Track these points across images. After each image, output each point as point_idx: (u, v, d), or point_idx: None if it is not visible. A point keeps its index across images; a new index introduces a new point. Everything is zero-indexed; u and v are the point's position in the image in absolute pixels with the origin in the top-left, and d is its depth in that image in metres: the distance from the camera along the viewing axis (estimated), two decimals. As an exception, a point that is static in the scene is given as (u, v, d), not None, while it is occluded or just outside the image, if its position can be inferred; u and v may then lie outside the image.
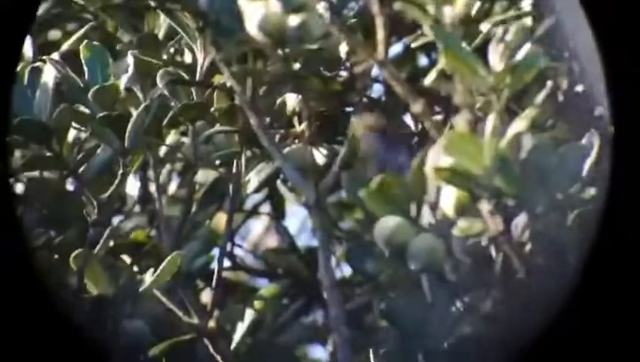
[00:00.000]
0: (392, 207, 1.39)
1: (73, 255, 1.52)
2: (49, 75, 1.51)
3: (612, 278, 1.28)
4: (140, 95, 1.55)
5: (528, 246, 1.30)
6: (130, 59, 1.55)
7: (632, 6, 1.31)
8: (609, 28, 1.29)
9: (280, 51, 1.40)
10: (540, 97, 1.29)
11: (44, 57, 1.53)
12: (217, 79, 1.57)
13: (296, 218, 1.96)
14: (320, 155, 1.56)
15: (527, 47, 1.31)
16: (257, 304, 1.63)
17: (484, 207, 1.31)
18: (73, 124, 1.53)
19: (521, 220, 1.31)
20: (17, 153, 1.62)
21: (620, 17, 1.29)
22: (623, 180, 1.29)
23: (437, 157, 1.33)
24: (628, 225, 1.28)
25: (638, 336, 1.28)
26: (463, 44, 1.32)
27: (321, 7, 1.33)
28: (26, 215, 1.55)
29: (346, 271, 1.83)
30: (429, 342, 1.38)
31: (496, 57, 1.32)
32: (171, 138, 1.65)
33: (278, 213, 1.85)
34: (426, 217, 1.38)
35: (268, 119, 1.55)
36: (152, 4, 1.52)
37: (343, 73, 1.53)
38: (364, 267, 1.43)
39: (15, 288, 1.38)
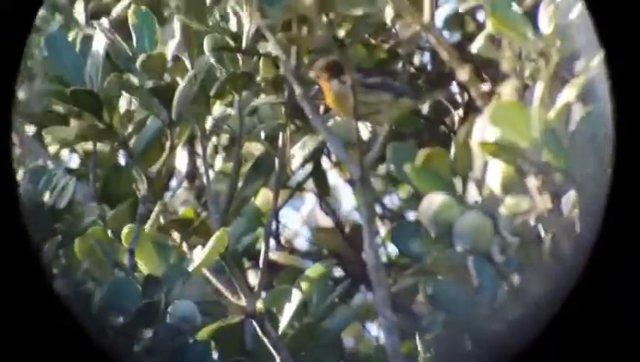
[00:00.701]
0: (438, 182, 1.30)
1: (125, 231, 1.49)
2: (99, 42, 1.49)
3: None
4: (187, 63, 1.52)
5: (578, 225, 1.20)
6: (176, 25, 1.51)
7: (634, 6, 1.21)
8: (612, 27, 1.20)
9: (325, 17, 1.33)
10: (593, 63, 1.19)
11: (95, 23, 1.51)
12: (263, 47, 1.52)
13: (342, 195, 1.90)
14: (364, 129, 1.49)
15: (578, 8, 1.21)
16: (304, 285, 1.57)
17: (532, 182, 1.22)
18: (123, 93, 1.51)
19: (570, 197, 1.21)
20: (72, 123, 1.61)
21: (623, 17, 1.19)
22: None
23: (483, 128, 1.24)
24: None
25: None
26: (513, 5, 1.23)
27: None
28: (78, 189, 1.52)
29: (393, 251, 1.76)
30: (476, 327, 1.29)
31: (545, 19, 1.22)
32: (217, 109, 1.60)
33: (323, 190, 1.79)
34: (472, 194, 1.29)
35: (313, 90, 1.48)
36: (199, -33, 1.47)
37: (389, 41, 1.45)
38: (409, 248, 1.35)
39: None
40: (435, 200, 1.31)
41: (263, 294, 1.59)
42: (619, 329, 1.21)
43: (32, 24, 1.41)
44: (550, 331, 1.23)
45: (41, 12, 1.64)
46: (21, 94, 1.63)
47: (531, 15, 1.25)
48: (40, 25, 1.64)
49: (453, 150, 1.29)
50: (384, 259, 1.74)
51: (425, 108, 1.69)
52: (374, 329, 1.82)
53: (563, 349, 1.23)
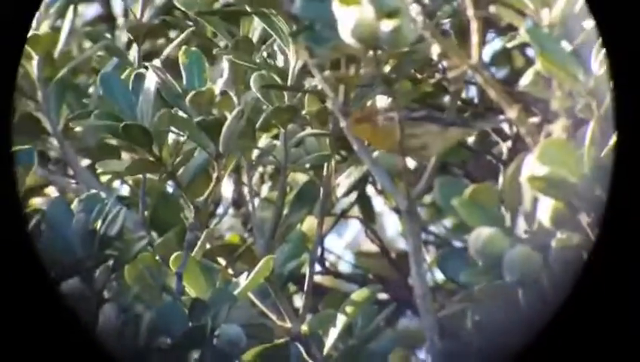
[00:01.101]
0: (486, 216, 1.33)
1: (173, 257, 1.52)
2: (151, 80, 1.54)
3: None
4: (234, 98, 1.56)
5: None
6: (225, 64, 1.55)
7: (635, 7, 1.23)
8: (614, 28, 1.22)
9: (372, 55, 1.36)
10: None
11: (147, 63, 1.55)
12: (309, 83, 1.55)
13: (387, 222, 1.92)
14: (410, 160, 1.52)
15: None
16: (349, 309, 1.60)
17: (584, 218, 1.25)
18: (172, 128, 1.55)
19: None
20: (124, 156, 1.65)
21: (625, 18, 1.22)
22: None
23: (532, 165, 1.27)
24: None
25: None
26: (562, 45, 1.25)
27: (414, 11, 1.28)
28: (128, 217, 1.56)
29: (438, 276, 1.78)
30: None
31: (596, 60, 1.25)
32: (264, 141, 1.64)
33: (368, 217, 1.82)
34: (522, 227, 1.32)
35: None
36: (248, 8, 1.50)
37: (435, 76, 1.48)
38: (457, 275, 1.38)
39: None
40: (483, 232, 1.33)
41: (309, 317, 1.62)
42: (620, 331, 1.23)
43: (29, 28, 1.44)
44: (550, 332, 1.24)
45: (98, 53, 1.68)
46: (77, 129, 1.67)
47: (581, 53, 1.27)
48: (97, 65, 1.68)
49: (501, 183, 1.32)
50: (430, 283, 1.76)
51: (471, 140, 1.73)
52: (422, 355, 1.84)
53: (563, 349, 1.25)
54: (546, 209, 1.29)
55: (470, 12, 1.28)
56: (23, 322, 1.37)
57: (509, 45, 1.40)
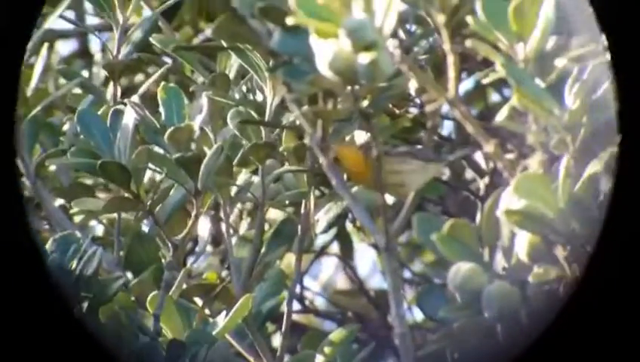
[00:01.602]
0: (464, 251, 1.33)
1: (149, 297, 1.52)
2: (129, 116, 1.53)
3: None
4: (211, 135, 1.56)
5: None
6: (203, 100, 1.55)
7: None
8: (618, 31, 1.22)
9: (349, 89, 1.36)
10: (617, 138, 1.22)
11: (125, 100, 1.55)
12: (286, 118, 1.55)
13: (365, 259, 1.91)
14: (388, 196, 1.51)
15: (605, 85, 1.24)
16: (327, 349, 1.58)
17: (560, 252, 1.25)
18: (150, 165, 1.54)
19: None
20: (100, 195, 1.64)
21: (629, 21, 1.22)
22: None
23: (509, 199, 1.27)
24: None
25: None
26: (537, 81, 1.26)
27: (391, 45, 1.29)
28: (103, 257, 1.55)
29: (418, 315, 1.77)
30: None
31: (571, 96, 1.25)
32: (242, 178, 1.63)
33: (346, 254, 1.81)
34: (500, 262, 1.32)
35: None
36: (224, 44, 1.50)
37: (412, 110, 1.48)
38: (436, 313, 1.37)
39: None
40: (462, 268, 1.33)
41: (287, 358, 1.61)
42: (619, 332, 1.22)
43: (28, 39, 1.44)
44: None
45: (74, 91, 1.67)
46: (50, 168, 1.66)
47: (556, 88, 1.28)
48: (72, 103, 1.67)
49: (479, 219, 1.32)
50: (409, 322, 1.75)
51: (448, 176, 1.73)
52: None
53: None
54: (523, 243, 1.29)
55: (447, 46, 1.28)
56: (23, 323, 1.36)
57: (485, 81, 1.40)
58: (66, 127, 1.67)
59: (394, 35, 1.29)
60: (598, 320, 1.23)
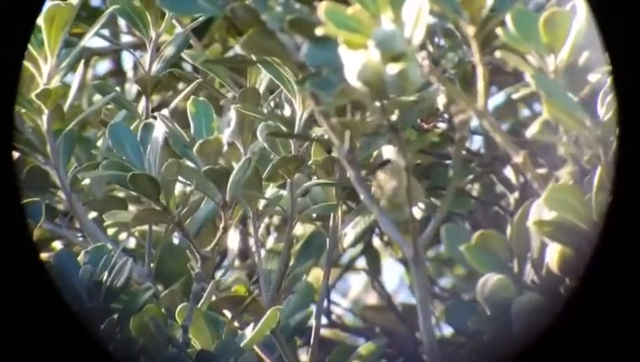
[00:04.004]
0: (494, 262, 1.29)
1: (178, 308, 1.49)
2: (159, 130, 1.52)
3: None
4: (241, 148, 1.53)
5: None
6: (232, 114, 1.53)
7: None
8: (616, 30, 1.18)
9: (378, 102, 1.32)
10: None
11: (155, 113, 1.53)
12: (315, 132, 1.52)
13: (394, 273, 1.87)
14: (417, 209, 1.47)
15: (638, 96, 1.20)
16: (355, 363, 1.55)
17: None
18: (179, 177, 1.52)
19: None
20: (131, 208, 1.63)
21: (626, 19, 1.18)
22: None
23: (540, 210, 1.22)
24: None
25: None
26: (569, 94, 1.21)
27: (421, 57, 1.25)
28: (134, 268, 1.53)
29: (446, 330, 1.73)
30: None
31: (603, 107, 1.21)
32: (270, 191, 1.60)
33: (374, 269, 1.78)
34: (530, 274, 1.27)
35: (364, 171, 1.47)
36: (253, 57, 1.47)
37: (441, 124, 1.44)
38: (465, 326, 1.33)
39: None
40: (491, 279, 1.29)
41: (315, 371, 1.57)
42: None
43: (32, 28, 1.42)
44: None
45: (107, 106, 1.66)
46: (85, 182, 1.64)
47: (588, 100, 1.24)
48: (105, 118, 1.65)
49: (509, 231, 1.28)
50: (439, 336, 1.71)
51: (477, 190, 1.69)
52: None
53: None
54: (553, 255, 1.25)
55: (476, 58, 1.24)
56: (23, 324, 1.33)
57: (514, 96, 1.36)
58: (99, 142, 1.66)
59: (423, 46, 1.25)
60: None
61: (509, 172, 1.65)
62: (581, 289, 1.19)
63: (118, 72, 1.99)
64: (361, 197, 1.42)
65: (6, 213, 1.34)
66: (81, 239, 1.65)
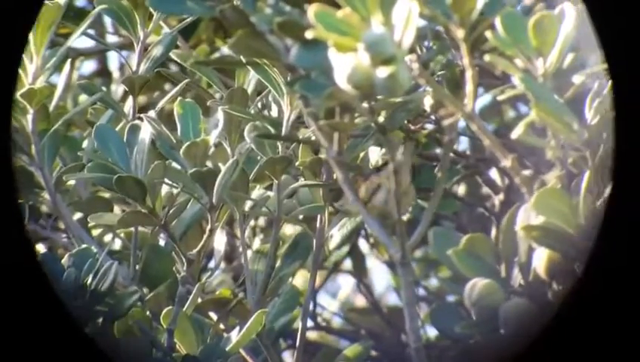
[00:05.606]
0: (481, 266, 1.28)
1: (164, 312, 1.48)
2: (146, 131, 1.50)
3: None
4: (228, 149, 1.52)
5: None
6: (220, 115, 1.52)
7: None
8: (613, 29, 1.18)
9: (366, 104, 1.32)
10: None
11: (142, 115, 1.51)
12: (303, 133, 1.51)
13: (378, 276, 1.87)
14: (404, 211, 1.47)
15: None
16: (341, 366, 1.54)
17: (580, 268, 1.20)
18: (166, 179, 1.51)
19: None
20: (116, 209, 1.61)
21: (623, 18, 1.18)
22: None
23: (528, 215, 1.22)
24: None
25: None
26: (556, 97, 1.21)
27: (410, 60, 1.24)
28: (120, 271, 1.51)
29: (431, 332, 1.72)
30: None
31: (591, 111, 1.21)
32: (257, 192, 1.59)
33: (360, 271, 1.77)
34: (517, 278, 1.27)
35: (351, 173, 1.47)
36: (242, 59, 1.46)
37: (428, 126, 1.44)
38: (449, 329, 1.32)
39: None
40: (478, 284, 1.29)
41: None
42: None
43: (32, 23, 1.40)
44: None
45: (94, 106, 1.64)
46: (70, 183, 1.62)
47: (576, 104, 1.23)
48: (91, 118, 1.64)
49: (495, 234, 1.28)
50: (423, 338, 1.70)
51: (462, 192, 1.69)
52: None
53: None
54: (541, 259, 1.25)
55: (466, 60, 1.24)
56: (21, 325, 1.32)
57: (500, 98, 1.36)
58: (85, 143, 1.64)
59: (412, 49, 1.25)
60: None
61: (494, 173, 1.65)
62: (571, 294, 1.19)
63: (104, 73, 1.97)
64: (349, 198, 1.41)
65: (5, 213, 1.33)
66: (65, 241, 1.64)
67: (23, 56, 1.55)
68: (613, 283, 1.17)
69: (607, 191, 1.19)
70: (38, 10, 1.44)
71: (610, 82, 1.19)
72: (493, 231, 1.62)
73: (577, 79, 1.25)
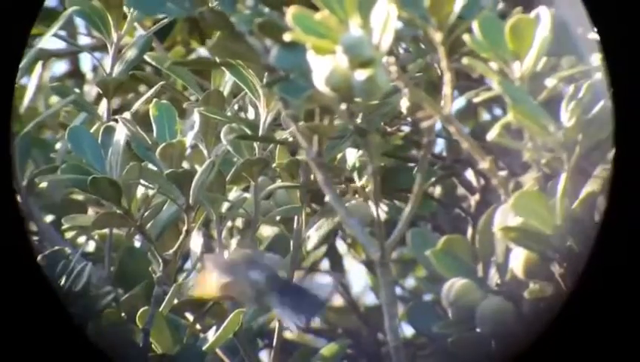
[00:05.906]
0: (459, 267, 1.30)
1: (139, 312, 1.48)
2: (120, 133, 1.50)
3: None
4: (204, 151, 1.52)
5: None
6: (196, 116, 1.52)
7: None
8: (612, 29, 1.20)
9: (344, 106, 1.32)
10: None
11: (116, 116, 1.51)
12: (279, 134, 1.52)
13: (356, 276, 1.88)
14: (381, 211, 1.48)
15: (601, 103, 1.21)
16: (318, 365, 1.55)
17: (556, 268, 1.21)
18: (141, 180, 1.50)
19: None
20: (90, 211, 1.60)
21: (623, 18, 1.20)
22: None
23: (505, 216, 1.24)
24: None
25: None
26: (532, 100, 1.22)
27: (388, 62, 1.25)
28: (94, 273, 1.51)
29: (408, 331, 1.73)
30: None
31: (567, 113, 1.22)
32: (234, 194, 1.59)
33: (337, 271, 1.78)
34: (494, 278, 1.29)
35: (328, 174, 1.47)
36: (217, 60, 1.46)
37: (405, 128, 1.45)
38: (426, 328, 1.34)
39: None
40: (456, 284, 1.30)
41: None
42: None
43: (32, 22, 1.40)
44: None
45: (66, 108, 1.63)
46: (42, 185, 1.61)
47: (553, 107, 1.25)
48: (64, 120, 1.63)
49: (472, 234, 1.29)
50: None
51: (439, 193, 1.70)
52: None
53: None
54: (518, 260, 1.26)
55: (444, 63, 1.25)
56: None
57: (476, 100, 1.37)
58: (58, 145, 1.63)
59: (391, 52, 1.25)
60: (592, 331, 1.20)
61: (470, 175, 1.66)
62: (571, 294, 1.20)
63: (76, 74, 1.96)
64: (327, 198, 1.42)
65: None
66: (36, 244, 1.62)
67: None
68: (613, 283, 1.19)
69: (584, 191, 1.20)
70: (39, 10, 1.43)
71: (609, 82, 1.20)
72: (469, 231, 1.63)
73: (552, 82, 1.27)
